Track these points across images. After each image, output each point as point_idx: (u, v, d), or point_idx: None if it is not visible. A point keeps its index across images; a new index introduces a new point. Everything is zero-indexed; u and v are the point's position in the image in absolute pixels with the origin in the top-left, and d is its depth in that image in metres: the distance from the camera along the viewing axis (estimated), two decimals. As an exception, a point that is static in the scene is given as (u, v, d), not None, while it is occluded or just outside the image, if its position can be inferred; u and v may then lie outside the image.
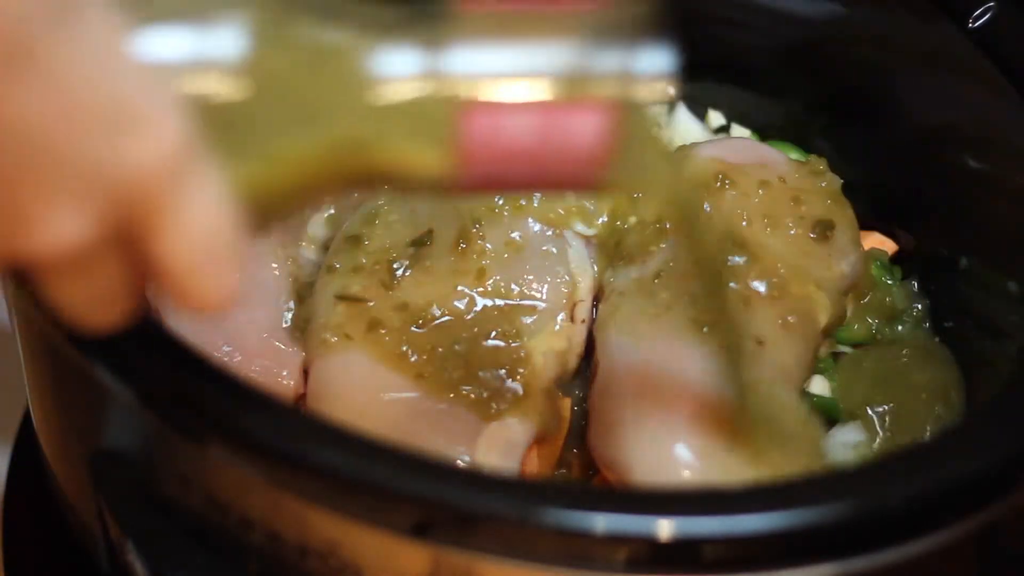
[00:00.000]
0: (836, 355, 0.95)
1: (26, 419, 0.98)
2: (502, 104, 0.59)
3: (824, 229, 0.90)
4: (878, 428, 0.91)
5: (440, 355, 0.84)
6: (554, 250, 0.89)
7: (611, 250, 0.91)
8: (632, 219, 0.91)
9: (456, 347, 0.84)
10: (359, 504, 0.66)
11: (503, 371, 0.84)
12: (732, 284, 0.86)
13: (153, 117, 0.54)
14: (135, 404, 0.70)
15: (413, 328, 0.85)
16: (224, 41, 0.57)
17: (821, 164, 0.96)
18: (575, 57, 0.59)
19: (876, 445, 0.90)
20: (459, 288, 0.87)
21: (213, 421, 0.67)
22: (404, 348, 0.84)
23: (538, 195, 0.90)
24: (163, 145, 0.54)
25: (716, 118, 1.11)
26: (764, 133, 1.09)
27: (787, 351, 0.86)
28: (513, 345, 0.85)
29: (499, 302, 0.87)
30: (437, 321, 0.85)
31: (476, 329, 0.85)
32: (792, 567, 0.66)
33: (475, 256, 0.88)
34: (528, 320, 0.86)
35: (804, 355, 0.89)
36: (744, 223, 0.89)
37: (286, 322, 0.88)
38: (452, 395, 0.82)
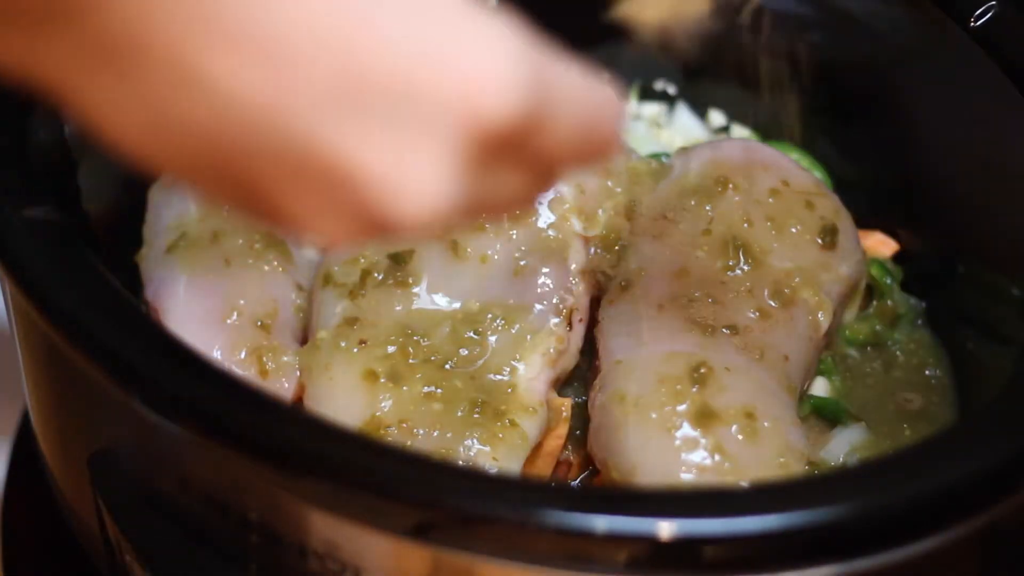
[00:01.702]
0: (837, 356, 0.95)
1: (25, 419, 0.98)
2: None
3: (832, 235, 0.90)
4: (876, 428, 0.92)
5: (439, 358, 0.84)
6: (552, 250, 0.89)
7: (610, 250, 0.91)
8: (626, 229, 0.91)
9: (454, 348, 0.84)
10: (359, 505, 0.66)
11: (502, 372, 0.84)
12: (741, 290, 0.86)
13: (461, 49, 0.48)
14: (135, 404, 0.70)
15: (411, 334, 0.85)
16: None
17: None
18: None
19: (876, 446, 0.90)
20: (457, 288, 0.87)
21: (213, 421, 0.67)
22: (399, 353, 0.84)
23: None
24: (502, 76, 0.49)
25: (717, 118, 1.11)
26: (764, 133, 1.09)
27: (803, 361, 0.86)
28: (512, 346, 0.85)
29: (497, 303, 0.87)
30: (436, 325, 0.85)
31: (474, 331, 0.85)
32: (793, 568, 0.66)
33: (474, 256, 0.88)
34: (526, 321, 0.86)
35: (813, 363, 0.89)
36: (746, 225, 0.89)
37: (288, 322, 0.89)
38: (452, 397, 0.82)
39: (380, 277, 0.87)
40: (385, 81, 0.48)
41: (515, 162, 0.52)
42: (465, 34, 0.49)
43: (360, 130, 0.48)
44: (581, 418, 0.87)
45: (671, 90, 1.12)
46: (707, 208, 0.90)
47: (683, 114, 1.12)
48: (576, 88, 0.53)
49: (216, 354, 0.85)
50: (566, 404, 0.87)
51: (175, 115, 0.48)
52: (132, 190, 0.96)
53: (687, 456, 0.78)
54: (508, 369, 0.84)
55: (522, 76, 0.49)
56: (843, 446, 0.90)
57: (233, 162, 0.49)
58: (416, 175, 0.48)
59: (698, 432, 0.79)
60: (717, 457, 0.78)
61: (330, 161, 0.48)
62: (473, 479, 0.67)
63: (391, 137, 0.48)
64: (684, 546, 0.64)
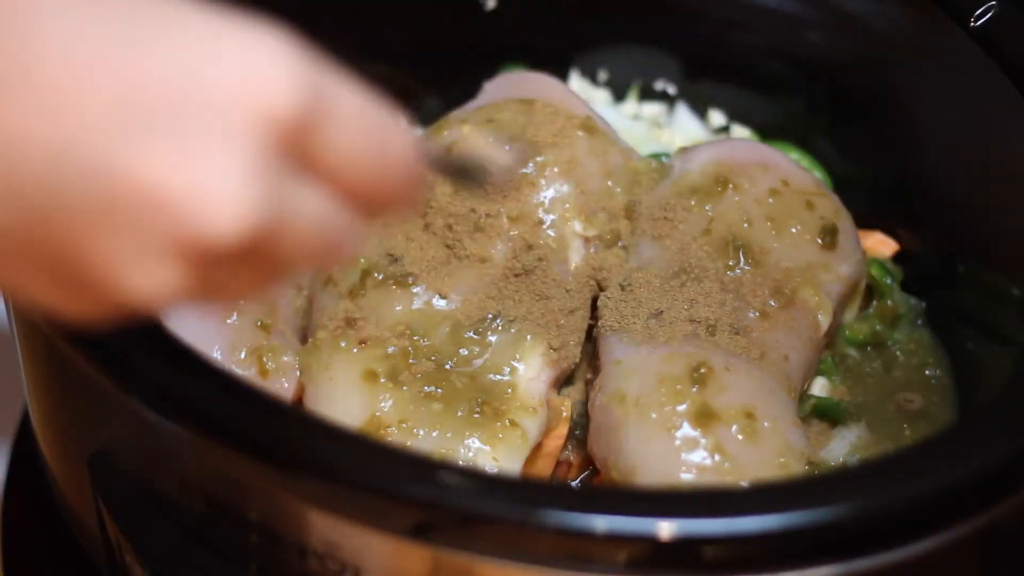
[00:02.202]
0: (837, 356, 0.95)
1: (25, 419, 0.98)
2: None
3: (832, 235, 0.90)
4: (877, 428, 0.92)
5: (439, 358, 0.84)
6: (552, 250, 0.89)
7: (610, 250, 0.91)
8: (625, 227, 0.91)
9: (454, 348, 0.84)
10: (359, 505, 0.66)
11: (502, 372, 0.84)
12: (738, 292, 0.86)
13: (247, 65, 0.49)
14: (135, 404, 0.70)
15: (410, 334, 0.85)
16: None
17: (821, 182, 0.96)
18: None
19: (876, 446, 0.90)
20: (457, 288, 0.87)
21: (213, 421, 0.67)
22: (399, 354, 0.84)
23: (539, 196, 0.90)
24: (294, 85, 0.49)
25: (717, 118, 1.11)
26: (764, 133, 1.09)
27: (804, 361, 0.86)
28: (512, 346, 0.85)
29: (497, 302, 0.87)
30: (436, 325, 0.85)
31: (474, 330, 0.85)
32: (793, 568, 0.66)
33: (474, 256, 0.88)
34: (526, 321, 0.86)
35: (813, 363, 0.89)
36: (746, 225, 0.89)
37: (288, 322, 0.89)
38: (452, 397, 0.82)
39: (380, 277, 0.87)
40: (164, 94, 0.48)
41: (307, 172, 0.52)
42: (234, 40, 0.50)
43: (152, 147, 0.48)
44: (581, 418, 0.87)
45: (671, 90, 1.12)
46: (707, 208, 0.90)
47: (683, 114, 1.12)
48: (355, 100, 0.53)
49: (216, 354, 0.85)
50: (566, 404, 0.87)
51: None
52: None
53: (687, 456, 0.78)
54: (508, 369, 0.84)
55: (295, 73, 0.50)
56: (843, 446, 0.90)
57: (31, 221, 0.48)
58: (216, 179, 0.48)
59: (698, 432, 0.79)
60: (717, 457, 0.78)
61: (129, 185, 0.48)
62: (473, 479, 0.67)
63: (182, 147, 0.48)
64: (684, 546, 0.64)
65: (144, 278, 0.49)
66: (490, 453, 0.80)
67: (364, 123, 0.53)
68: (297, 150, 0.51)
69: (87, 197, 0.48)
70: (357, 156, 0.53)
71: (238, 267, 0.51)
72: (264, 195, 0.49)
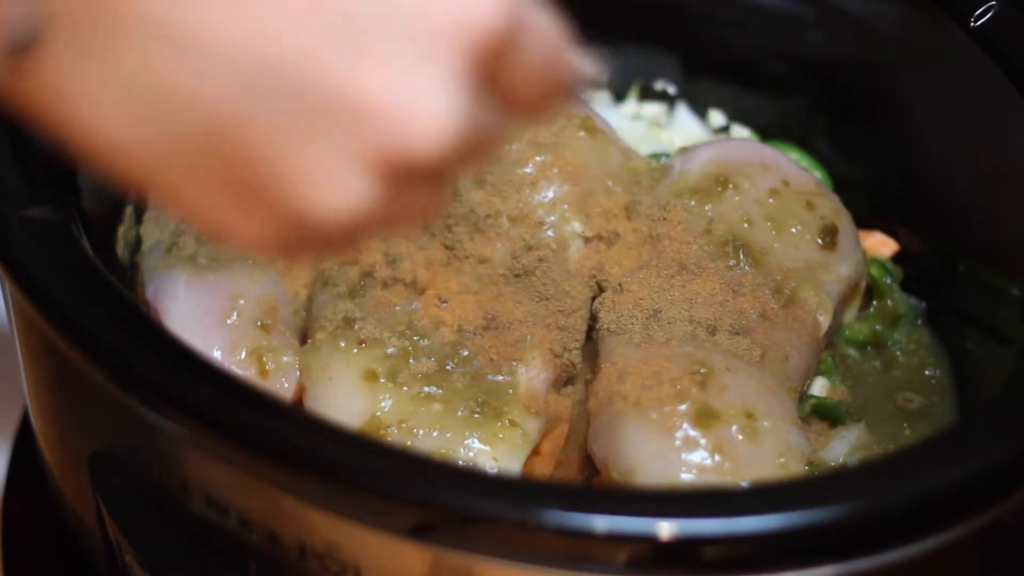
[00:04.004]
0: (837, 356, 0.95)
1: (25, 419, 0.98)
2: None
3: (832, 235, 0.90)
4: (877, 428, 0.92)
5: (439, 358, 0.84)
6: (552, 250, 0.89)
7: (610, 250, 0.91)
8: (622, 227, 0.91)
9: (454, 348, 0.84)
10: (359, 505, 0.66)
11: (502, 372, 0.84)
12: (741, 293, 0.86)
13: None
14: (135, 404, 0.70)
15: (410, 334, 0.85)
16: None
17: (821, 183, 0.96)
18: None
19: (876, 446, 0.90)
20: (457, 288, 0.87)
21: (213, 421, 0.67)
22: (399, 354, 0.84)
23: (539, 196, 0.90)
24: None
25: (717, 118, 1.11)
26: (764, 133, 1.09)
27: (804, 361, 0.86)
28: (511, 347, 0.85)
29: (496, 302, 0.87)
30: (436, 325, 0.85)
31: (474, 330, 0.85)
32: (793, 568, 0.66)
33: (474, 255, 0.88)
34: (526, 321, 0.86)
35: (813, 363, 0.89)
36: (746, 225, 0.89)
37: (288, 322, 0.88)
38: (452, 397, 0.82)
39: (380, 277, 0.87)
40: (376, 6, 0.48)
41: (495, 89, 0.52)
42: None
43: (366, 59, 0.47)
44: (581, 418, 0.87)
45: (671, 90, 1.12)
46: (707, 208, 0.90)
47: (683, 114, 1.12)
48: (545, 24, 0.53)
49: (216, 354, 0.85)
50: (566, 404, 0.87)
51: (155, 85, 0.46)
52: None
53: (687, 456, 0.78)
54: (508, 369, 0.84)
55: None
56: (843, 446, 0.89)
57: (223, 131, 0.47)
58: (424, 94, 0.48)
59: (698, 432, 0.79)
60: (717, 457, 0.78)
61: (341, 94, 0.47)
62: (473, 479, 0.67)
63: (392, 63, 0.48)
64: (684, 546, 0.64)
65: (333, 191, 0.49)
66: (490, 453, 0.80)
67: (549, 47, 0.53)
68: (488, 68, 0.51)
69: (291, 105, 0.47)
70: (536, 76, 0.53)
71: (424, 186, 0.51)
72: (463, 113, 0.49)
